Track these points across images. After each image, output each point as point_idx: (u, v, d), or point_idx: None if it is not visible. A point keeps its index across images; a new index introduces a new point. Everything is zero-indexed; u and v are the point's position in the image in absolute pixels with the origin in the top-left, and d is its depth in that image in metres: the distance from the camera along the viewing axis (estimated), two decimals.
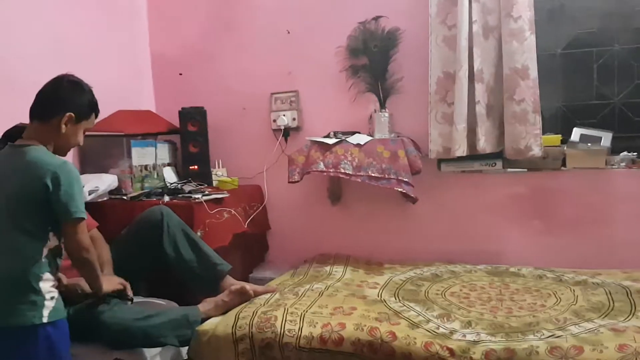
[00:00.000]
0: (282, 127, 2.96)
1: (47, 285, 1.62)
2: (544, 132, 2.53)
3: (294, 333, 1.88)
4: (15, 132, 1.80)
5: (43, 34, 2.50)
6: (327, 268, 2.61)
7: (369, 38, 2.72)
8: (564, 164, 2.55)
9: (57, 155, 1.72)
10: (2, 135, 1.84)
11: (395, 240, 2.85)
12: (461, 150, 2.50)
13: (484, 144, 2.50)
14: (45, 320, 1.59)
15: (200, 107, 2.93)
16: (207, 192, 2.61)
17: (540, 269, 2.46)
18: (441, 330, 1.85)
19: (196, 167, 2.90)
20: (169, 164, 2.92)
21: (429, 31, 2.59)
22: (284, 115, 2.96)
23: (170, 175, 2.86)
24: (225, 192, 2.70)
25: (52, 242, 1.67)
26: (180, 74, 3.21)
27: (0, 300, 1.59)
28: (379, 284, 2.37)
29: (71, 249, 1.69)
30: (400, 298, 2.18)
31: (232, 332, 1.94)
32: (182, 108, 2.92)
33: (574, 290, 2.18)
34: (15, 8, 2.38)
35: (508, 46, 2.44)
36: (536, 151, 2.45)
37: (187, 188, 2.66)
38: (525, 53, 2.42)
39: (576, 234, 2.57)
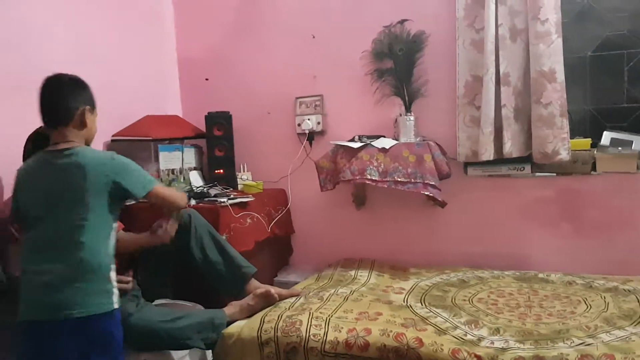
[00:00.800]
0: (307, 131, 2.97)
1: (113, 274, 1.72)
2: (573, 136, 2.49)
3: (319, 338, 1.88)
4: (41, 138, 1.84)
5: (71, 40, 2.55)
6: (352, 272, 2.60)
7: (394, 41, 2.71)
8: (594, 168, 2.50)
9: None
10: (32, 144, 1.88)
11: (421, 244, 2.83)
12: (488, 154, 2.47)
13: (511, 148, 2.47)
14: (115, 306, 1.70)
15: (226, 112, 2.96)
16: (232, 196, 2.63)
17: (570, 275, 2.42)
18: (469, 337, 1.83)
19: (221, 170, 2.92)
20: (195, 168, 2.95)
21: (455, 34, 2.58)
22: (308, 119, 2.97)
23: (196, 179, 2.89)
24: (250, 195, 2.72)
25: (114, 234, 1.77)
26: (207, 79, 3.25)
27: (82, 292, 1.64)
28: (404, 289, 2.35)
29: (170, 208, 2.02)
30: (427, 304, 2.16)
31: (258, 336, 1.95)
32: (208, 113, 2.95)
33: (604, 297, 2.14)
34: (44, 14, 2.43)
35: (535, 49, 2.41)
36: (564, 155, 2.41)
37: (212, 192, 2.68)
38: (552, 56, 2.39)
39: (607, 239, 2.52)
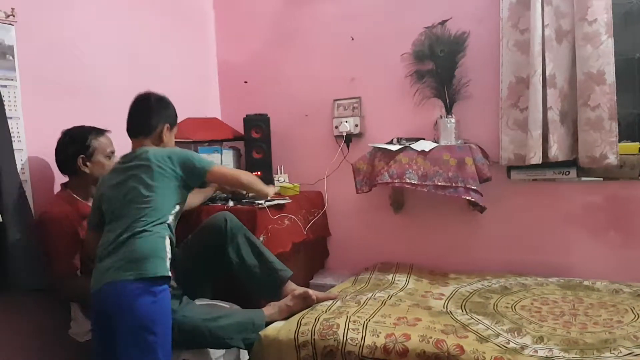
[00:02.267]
0: (344, 134, 2.96)
1: (167, 244, 1.87)
2: (620, 140, 2.41)
3: (357, 342, 1.86)
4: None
5: (119, 46, 2.62)
6: (390, 277, 2.57)
7: (435, 43, 2.68)
8: None
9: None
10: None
11: (461, 249, 2.78)
12: (537, 157, 2.41)
13: (557, 152, 2.41)
14: (168, 273, 1.83)
15: (264, 114, 2.97)
16: (269, 198, 2.63)
17: (617, 283, 2.34)
18: (511, 345, 1.78)
19: (259, 173, 2.93)
20: None
21: (499, 35, 2.53)
22: (346, 121, 2.95)
23: None
24: (287, 198, 2.72)
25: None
26: (246, 82, 3.27)
27: (145, 260, 1.78)
28: (444, 295, 2.31)
29: (233, 186, 2.34)
30: (468, 310, 2.12)
31: (295, 338, 1.94)
32: (247, 115, 2.97)
33: None
34: (96, 21, 2.52)
35: (582, 50, 2.35)
36: (612, 159, 2.33)
37: (250, 194, 2.69)
38: (600, 58, 2.32)
39: None
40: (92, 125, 2.20)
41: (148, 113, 2.05)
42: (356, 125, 2.96)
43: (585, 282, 2.38)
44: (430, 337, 1.81)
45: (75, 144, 2.14)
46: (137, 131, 2.06)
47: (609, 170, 2.42)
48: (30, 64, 2.15)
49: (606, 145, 2.33)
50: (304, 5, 3.09)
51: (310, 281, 2.94)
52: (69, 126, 2.18)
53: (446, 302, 2.23)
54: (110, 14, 2.59)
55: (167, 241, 1.87)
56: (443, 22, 2.67)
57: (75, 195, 2.17)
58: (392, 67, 2.84)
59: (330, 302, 2.21)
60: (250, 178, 2.20)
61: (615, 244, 2.51)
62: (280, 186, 2.92)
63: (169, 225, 1.91)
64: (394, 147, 2.60)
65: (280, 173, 3.04)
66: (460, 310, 2.12)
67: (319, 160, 3.05)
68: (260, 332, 2.03)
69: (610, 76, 2.32)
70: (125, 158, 2.00)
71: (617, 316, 2.01)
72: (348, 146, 3.00)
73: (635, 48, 2.58)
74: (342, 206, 3.04)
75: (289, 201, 2.69)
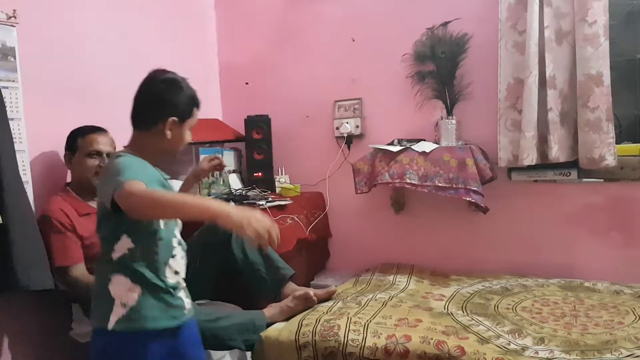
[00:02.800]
0: (345, 135, 2.96)
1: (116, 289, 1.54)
2: (621, 141, 2.42)
3: (358, 343, 1.86)
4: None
5: (121, 46, 2.62)
6: (390, 278, 2.57)
7: (436, 44, 2.68)
8: None
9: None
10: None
11: (462, 250, 2.78)
12: (530, 159, 2.41)
13: (557, 153, 2.41)
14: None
15: (265, 115, 2.97)
16: (270, 199, 2.64)
17: (618, 284, 2.34)
18: (512, 346, 1.78)
19: (260, 173, 2.94)
20: (234, 171, 2.98)
21: (498, 36, 2.52)
22: (347, 122, 2.95)
23: (235, 182, 2.92)
24: (288, 198, 2.73)
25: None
26: (247, 83, 3.28)
27: None
28: (445, 296, 2.31)
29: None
30: (469, 311, 2.12)
31: (296, 339, 1.94)
32: (248, 116, 2.97)
33: None
34: (98, 22, 2.52)
35: (582, 52, 2.35)
36: (610, 161, 2.34)
37: (251, 194, 2.70)
38: (600, 59, 2.32)
39: None
40: (93, 124, 2.21)
41: (149, 100, 1.62)
42: (357, 127, 2.96)
43: (586, 284, 2.37)
44: (431, 339, 1.81)
45: (68, 142, 2.18)
46: (134, 121, 1.64)
47: (610, 172, 2.42)
48: (32, 66, 2.15)
49: (604, 146, 2.33)
50: (305, 6, 3.09)
51: (312, 282, 2.94)
52: (70, 127, 2.19)
53: (447, 303, 2.23)
54: (111, 15, 2.59)
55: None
56: (445, 24, 2.67)
57: (73, 193, 2.18)
58: (393, 69, 2.84)
59: (331, 302, 2.21)
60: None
61: (616, 245, 2.51)
62: (282, 187, 2.93)
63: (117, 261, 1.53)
64: (395, 148, 2.60)
65: (282, 174, 3.04)
66: (461, 312, 2.12)
67: (320, 161, 3.05)
68: (261, 333, 2.03)
69: (607, 78, 2.32)
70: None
71: (618, 317, 2.01)
72: (349, 147, 3.00)
73: (637, 49, 2.58)
74: (343, 207, 3.04)
75: (290, 202, 2.69)
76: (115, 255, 1.53)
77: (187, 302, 1.63)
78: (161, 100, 1.61)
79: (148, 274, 1.53)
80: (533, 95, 2.39)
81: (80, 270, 2.04)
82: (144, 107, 1.63)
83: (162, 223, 1.56)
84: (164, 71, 1.66)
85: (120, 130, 2.59)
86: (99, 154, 2.15)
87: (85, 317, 2.09)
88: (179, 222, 1.67)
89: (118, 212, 1.42)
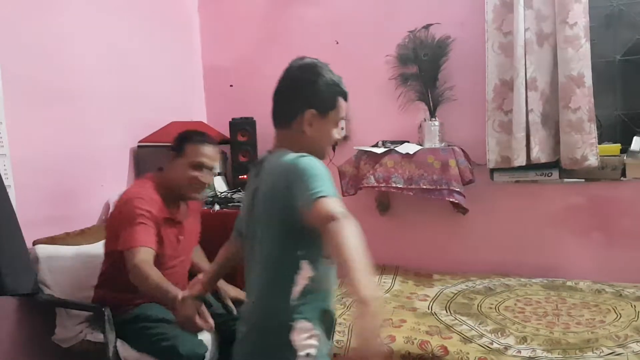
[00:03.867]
0: None
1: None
2: (602, 141, 2.45)
3: (342, 344, 1.87)
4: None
5: (101, 47, 2.60)
6: (376, 278, 2.58)
7: (419, 46, 2.70)
8: (623, 174, 2.45)
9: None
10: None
11: (446, 251, 2.80)
12: (520, 159, 2.43)
13: (538, 153, 2.43)
14: None
15: (250, 118, 2.97)
16: None
17: (599, 283, 2.37)
18: (495, 345, 1.80)
19: (245, 176, 2.92)
20: (219, 174, 2.96)
21: (483, 39, 2.54)
22: None
23: (220, 185, 2.91)
24: None
25: None
26: (231, 86, 3.27)
27: None
28: (429, 297, 2.33)
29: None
30: (452, 311, 2.14)
31: None
32: (232, 119, 2.97)
33: (634, 306, 2.10)
34: (76, 25, 2.48)
35: (563, 53, 2.38)
36: (592, 161, 2.37)
37: (236, 197, 2.69)
38: (581, 60, 2.35)
39: (637, 246, 2.46)
40: (201, 131, 2.15)
41: (287, 90, 1.38)
42: (342, 129, 2.96)
43: (569, 283, 2.40)
44: (415, 339, 1.83)
45: (176, 141, 2.05)
46: (274, 118, 1.39)
47: (591, 172, 2.45)
48: (14, 69, 2.13)
49: (587, 146, 2.36)
50: (289, 9, 3.09)
51: None
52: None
53: (431, 303, 2.24)
54: (94, 18, 2.57)
55: None
56: (427, 26, 2.69)
57: (156, 189, 2.00)
58: (377, 71, 2.85)
59: None
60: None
61: (598, 244, 2.54)
62: None
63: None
64: (379, 150, 2.62)
65: None
66: (444, 311, 2.14)
67: None
68: None
69: (589, 79, 2.35)
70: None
71: (599, 316, 2.04)
72: (334, 149, 2.98)
73: (616, 50, 2.61)
74: None
75: None
76: (297, 289, 1.22)
77: None
78: (297, 90, 1.36)
79: (327, 307, 1.26)
80: (521, 97, 2.42)
81: (145, 255, 1.80)
82: (280, 99, 1.38)
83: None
84: (302, 57, 1.42)
85: (102, 132, 2.59)
86: (203, 166, 2.02)
87: (70, 322, 2.08)
88: None
89: (299, 229, 1.18)
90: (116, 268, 1.92)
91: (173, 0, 3.17)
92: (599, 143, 2.42)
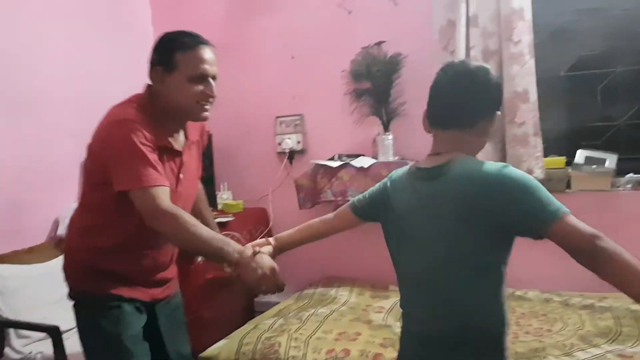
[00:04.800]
0: (287, 150, 2.99)
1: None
2: (548, 154, 2.53)
3: (298, 359, 1.88)
4: None
5: (63, 56, 2.59)
6: (333, 292, 2.60)
7: (371, 62, 2.75)
8: (568, 186, 2.54)
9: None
10: None
11: None
12: None
13: None
14: None
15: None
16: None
17: (547, 293, 2.44)
18: None
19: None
20: None
21: (431, 56, 2.60)
22: (288, 138, 2.98)
23: None
24: (230, 215, 2.72)
25: None
26: None
27: None
28: (384, 308, 2.36)
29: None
30: None
31: (236, 359, 1.94)
32: None
33: (580, 315, 2.17)
34: (34, 34, 2.46)
35: (508, 70, 2.46)
36: (538, 174, 2.45)
37: None
38: (526, 76, 2.44)
39: None
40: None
41: (473, 89, 1.27)
42: (299, 142, 2.99)
43: (518, 292, 2.47)
44: (369, 351, 1.86)
45: (161, 53, 1.62)
46: (448, 118, 1.30)
47: None
48: None
49: (532, 160, 2.44)
50: (245, 21, 3.10)
51: (255, 299, 2.94)
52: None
53: (386, 315, 2.28)
54: (50, 26, 2.54)
55: None
56: (379, 43, 2.74)
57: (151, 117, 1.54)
58: (332, 85, 2.89)
59: (273, 320, 2.22)
60: None
61: (545, 253, 2.58)
62: (224, 203, 2.92)
63: None
64: (335, 164, 2.65)
65: (224, 190, 3.03)
66: (398, 323, 2.15)
67: (262, 177, 3.06)
68: (200, 355, 2.01)
69: (534, 94, 2.44)
70: (425, 171, 1.34)
71: (547, 325, 2.11)
72: (291, 162, 3.02)
73: (560, 66, 2.72)
74: (287, 222, 2.97)
75: (233, 218, 2.69)
76: (502, 295, 1.27)
77: None
78: (487, 93, 1.30)
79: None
80: None
81: (168, 197, 1.43)
82: (467, 93, 1.29)
83: None
84: (467, 60, 1.41)
85: (53, 143, 2.54)
86: (207, 75, 1.59)
87: (17, 343, 2.02)
88: None
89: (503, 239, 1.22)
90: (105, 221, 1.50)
91: (127, 13, 3.15)
92: (545, 156, 2.50)
